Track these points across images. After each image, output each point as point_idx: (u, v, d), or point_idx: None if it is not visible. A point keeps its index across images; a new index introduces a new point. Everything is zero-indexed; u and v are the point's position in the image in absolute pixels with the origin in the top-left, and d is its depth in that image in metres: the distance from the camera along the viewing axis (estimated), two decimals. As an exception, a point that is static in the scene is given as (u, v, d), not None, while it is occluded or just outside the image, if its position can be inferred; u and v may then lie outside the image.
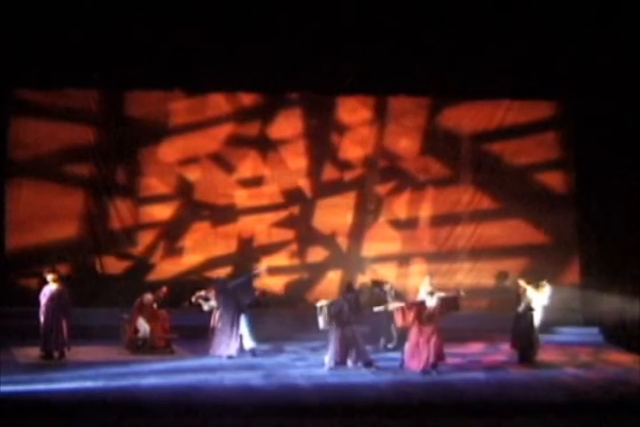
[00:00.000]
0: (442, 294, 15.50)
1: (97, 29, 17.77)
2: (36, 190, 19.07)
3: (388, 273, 19.40)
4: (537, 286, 16.34)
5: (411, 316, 15.24)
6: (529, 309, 16.23)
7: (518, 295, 16.45)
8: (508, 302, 17.13)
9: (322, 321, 15.60)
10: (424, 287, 16.41)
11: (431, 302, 15.29)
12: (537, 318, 16.29)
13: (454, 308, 15.46)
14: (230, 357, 16.12)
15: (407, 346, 15.41)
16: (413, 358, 15.26)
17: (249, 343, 16.32)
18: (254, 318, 16.50)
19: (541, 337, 16.56)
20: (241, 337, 16.30)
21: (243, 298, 16.34)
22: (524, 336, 16.26)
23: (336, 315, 15.50)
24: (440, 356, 15.29)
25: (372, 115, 19.93)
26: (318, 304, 15.76)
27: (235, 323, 16.19)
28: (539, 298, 16.28)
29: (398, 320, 15.45)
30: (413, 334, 15.28)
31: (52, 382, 14.11)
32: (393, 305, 15.88)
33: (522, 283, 16.39)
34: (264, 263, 18.71)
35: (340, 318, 15.50)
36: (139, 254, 19.41)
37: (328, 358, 15.56)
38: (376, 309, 16.20)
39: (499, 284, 19.03)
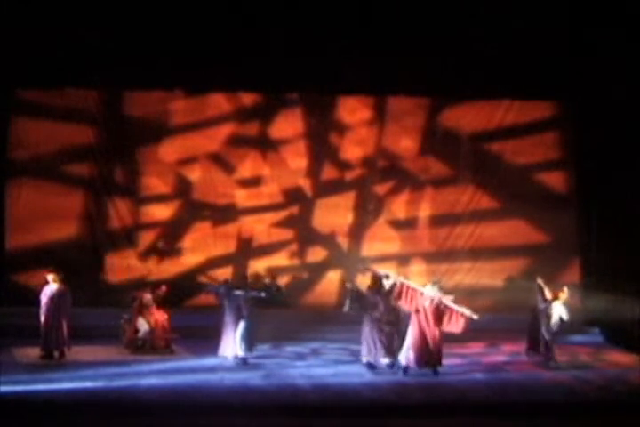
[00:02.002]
0: (450, 298, 15.27)
1: (97, 29, 17.75)
2: (35, 190, 19.04)
3: (388, 273, 19.38)
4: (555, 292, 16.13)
5: (410, 298, 15.09)
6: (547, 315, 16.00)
7: (541, 293, 16.07)
8: (509, 302, 17.06)
9: (347, 304, 15.42)
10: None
11: (431, 292, 15.14)
12: (554, 323, 16.12)
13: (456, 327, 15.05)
14: (236, 358, 15.91)
15: (411, 343, 15.19)
16: (420, 355, 15.17)
17: (239, 351, 15.88)
18: (254, 326, 16.07)
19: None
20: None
21: (243, 307, 16.05)
22: (543, 342, 16.08)
23: (368, 308, 15.33)
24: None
25: (372, 115, 19.90)
26: (348, 284, 15.77)
27: (235, 327, 15.96)
28: (557, 306, 16.04)
29: (404, 301, 15.08)
30: (417, 331, 15.20)
31: (52, 382, 14.09)
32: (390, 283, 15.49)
33: (540, 282, 16.21)
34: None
35: (374, 314, 15.32)
36: (138, 254, 19.42)
37: (365, 356, 15.41)
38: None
39: (506, 285, 19.01)
